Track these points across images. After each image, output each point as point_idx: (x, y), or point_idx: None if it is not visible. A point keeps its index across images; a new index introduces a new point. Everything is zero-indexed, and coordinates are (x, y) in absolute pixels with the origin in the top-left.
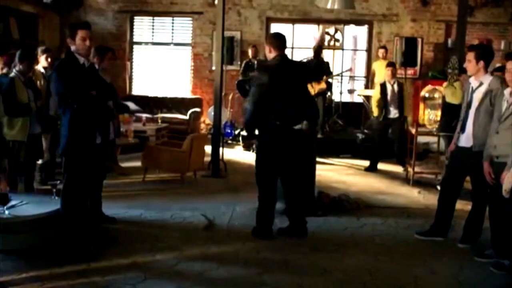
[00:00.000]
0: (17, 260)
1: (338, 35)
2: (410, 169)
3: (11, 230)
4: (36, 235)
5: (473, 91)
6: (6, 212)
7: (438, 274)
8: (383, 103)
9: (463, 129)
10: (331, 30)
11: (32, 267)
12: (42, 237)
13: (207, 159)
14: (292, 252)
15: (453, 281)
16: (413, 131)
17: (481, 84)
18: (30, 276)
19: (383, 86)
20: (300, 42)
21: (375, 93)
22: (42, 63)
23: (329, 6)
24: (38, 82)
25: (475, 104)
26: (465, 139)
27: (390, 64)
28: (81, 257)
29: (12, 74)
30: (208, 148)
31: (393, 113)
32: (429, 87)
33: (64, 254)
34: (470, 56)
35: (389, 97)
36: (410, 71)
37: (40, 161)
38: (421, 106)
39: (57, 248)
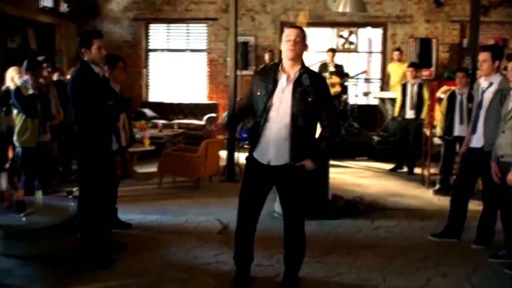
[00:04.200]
0: (34, 266)
1: (352, 38)
2: (425, 171)
3: (28, 236)
4: (53, 241)
5: (483, 91)
6: (23, 219)
7: (451, 276)
8: (402, 103)
9: (474, 130)
10: (345, 33)
11: (48, 273)
12: (58, 243)
13: (222, 163)
14: (305, 255)
15: (466, 283)
16: (428, 132)
17: (491, 84)
18: (46, 281)
19: (403, 86)
20: (315, 46)
21: (397, 93)
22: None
23: (340, 9)
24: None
25: (485, 104)
26: (476, 140)
27: (411, 65)
28: (98, 263)
29: (19, 83)
30: (223, 153)
31: (409, 113)
32: (444, 88)
33: (81, 260)
34: (486, 56)
35: (407, 97)
36: (425, 72)
37: None
38: (437, 107)
39: (74, 254)
